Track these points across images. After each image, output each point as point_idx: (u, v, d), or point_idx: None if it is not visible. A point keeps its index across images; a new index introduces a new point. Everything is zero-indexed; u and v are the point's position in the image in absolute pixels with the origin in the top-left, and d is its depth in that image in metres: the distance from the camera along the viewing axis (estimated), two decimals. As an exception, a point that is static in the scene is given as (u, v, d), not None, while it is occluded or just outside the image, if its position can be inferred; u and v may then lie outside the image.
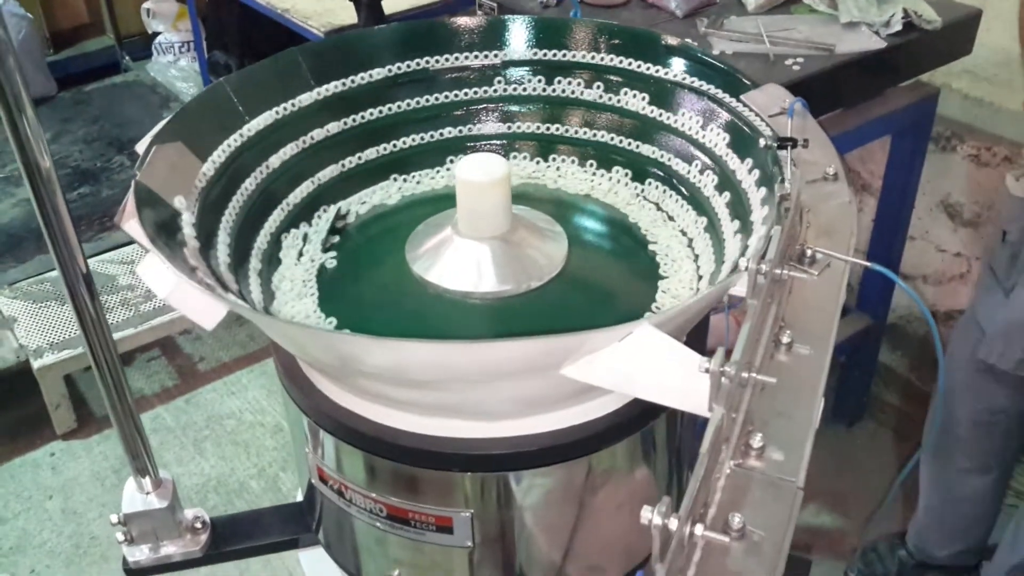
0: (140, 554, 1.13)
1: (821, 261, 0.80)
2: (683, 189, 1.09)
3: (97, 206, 3.05)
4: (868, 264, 0.84)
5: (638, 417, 0.90)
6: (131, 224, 0.84)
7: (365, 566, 1.04)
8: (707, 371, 0.66)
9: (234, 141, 1.03)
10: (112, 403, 1.06)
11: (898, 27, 1.75)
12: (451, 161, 1.16)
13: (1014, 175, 1.59)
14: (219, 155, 1.00)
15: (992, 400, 1.72)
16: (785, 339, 0.73)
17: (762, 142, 0.95)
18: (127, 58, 4.22)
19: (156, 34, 4.17)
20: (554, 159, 1.17)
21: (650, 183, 1.11)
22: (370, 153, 1.14)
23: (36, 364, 2.41)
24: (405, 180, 1.15)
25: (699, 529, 0.56)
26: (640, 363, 0.72)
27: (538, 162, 1.17)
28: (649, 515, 0.55)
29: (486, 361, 0.72)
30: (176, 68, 4.03)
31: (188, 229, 0.89)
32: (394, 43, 1.15)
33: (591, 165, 1.15)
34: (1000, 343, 1.56)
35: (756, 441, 0.64)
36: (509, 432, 0.87)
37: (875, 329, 2.31)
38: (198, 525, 1.15)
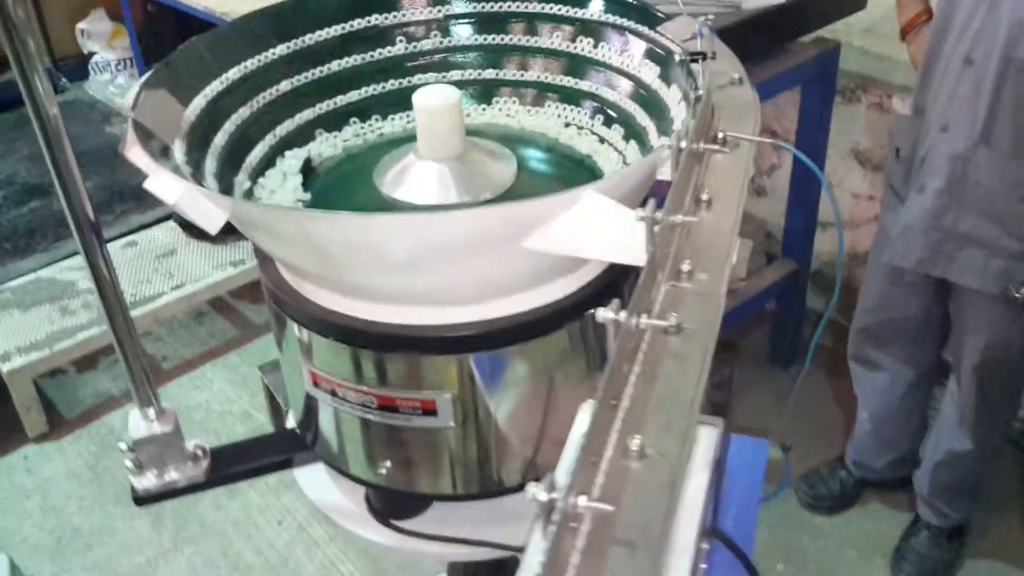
0: (147, 481, 1.23)
1: (731, 142, 0.95)
2: (613, 114, 1.23)
3: (50, 218, 3.11)
4: (772, 142, 0.99)
5: (592, 297, 1.04)
6: (134, 150, 0.95)
7: (359, 466, 1.15)
8: (642, 219, 0.80)
9: (210, 91, 1.14)
10: (119, 337, 1.15)
11: (797, -17, 1.93)
12: (400, 110, 1.29)
13: (899, 97, 1.78)
14: (198, 102, 1.12)
15: (904, 307, 1.90)
16: (704, 197, 0.87)
17: (677, 58, 1.10)
18: (63, 80, 4.26)
19: (91, 54, 4.22)
20: (496, 100, 1.31)
21: (583, 112, 1.26)
22: (329, 104, 1.27)
23: (5, 368, 2.46)
24: (363, 127, 1.28)
25: (644, 319, 0.70)
26: (588, 226, 0.85)
27: (483, 107, 1.31)
28: (604, 313, 0.68)
29: (459, 229, 0.85)
30: (114, 86, 4.09)
31: (180, 156, 1.01)
32: (345, 3, 1.28)
33: (529, 103, 1.29)
34: (901, 244, 1.74)
35: (685, 267, 0.78)
36: (481, 316, 1.00)
37: (801, 273, 2.50)
38: (199, 453, 1.26)
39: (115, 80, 4.15)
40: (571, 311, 1.03)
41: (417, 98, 1.08)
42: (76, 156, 3.27)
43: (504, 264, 0.93)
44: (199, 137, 1.10)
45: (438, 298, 0.99)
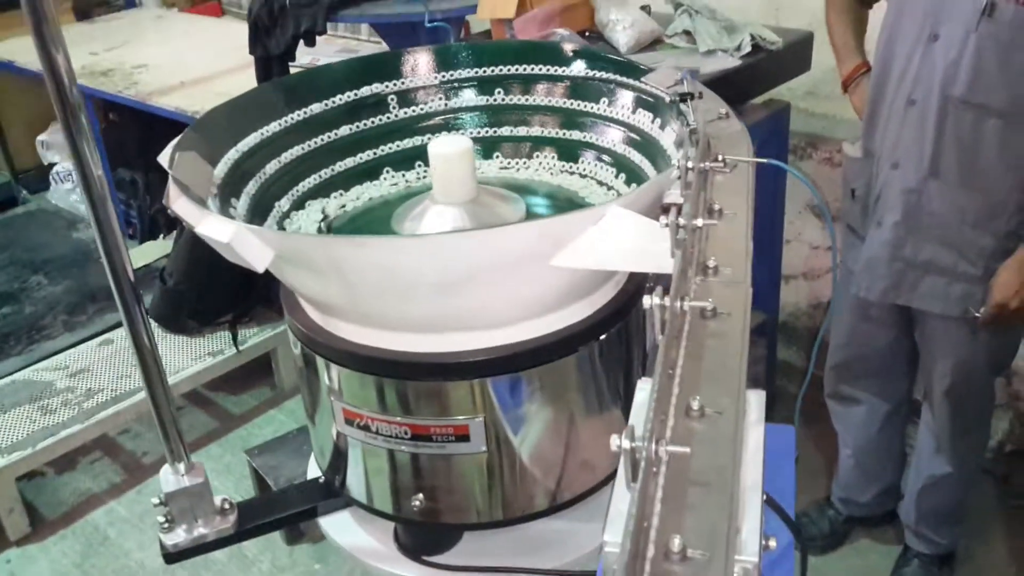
0: (177, 537, 1.26)
1: (730, 163, 1.05)
2: (610, 160, 1.33)
3: (22, 323, 3.11)
4: (766, 160, 1.09)
5: (612, 316, 1.11)
6: (180, 202, 1.02)
7: (391, 502, 1.19)
8: (666, 225, 0.88)
9: (234, 153, 1.22)
10: (154, 394, 1.19)
11: (748, 49, 2.10)
12: (410, 167, 1.38)
13: (849, 142, 1.93)
14: (224, 164, 1.20)
15: (873, 341, 2.01)
16: (716, 207, 0.96)
17: (667, 99, 1.21)
18: (24, 192, 4.29)
19: (51, 165, 4.27)
20: (497, 156, 1.40)
21: (582, 161, 1.36)
22: (344, 164, 1.35)
23: (-13, 469, 2.43)
24: (377, 183, 1.36)
25: (686, 303, 0.78)
26: (614, 239, 0.94)
27: (487, 162, 1.40)
28: (651, 299, 0.76)
29: (493, 247, 0.92)
30: (76, 194, 4.13)
31: (214, 206, 1.07)
32: (350, 74, 1.38)
33: (528, 155, 1.39)
34: (865, 278, 1.85)
35: (711, 262, 0.86)
36: (507, 339, 1.07)
37: (770, 323, 2.60)
38: (226, 507, 1.29)
39: (77, 189, 4.19)
40: (588, 333, 1.11)
41: (433, 147, 1.17)
42: (46, 262, 3.40)
43: (532, 284, 1.01)
44: (228, 193, 1.17)
45: (466, 323, 1.06)
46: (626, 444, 0.64)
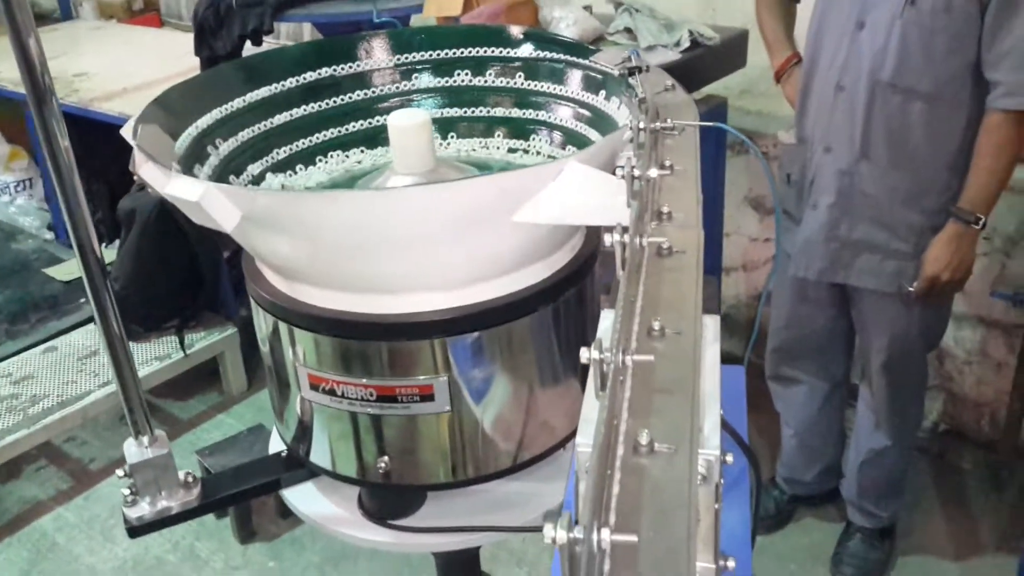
0: (142, 511, 1.26)
1: (678, 127, 1.11)
2: (562, 136, 1.38)
3: (-37, 331, 3.05)
4: (711, 124, 1.16)
5: (569, 278, 1.16)
6: (146, 167, 1.04)
7: (356, 466, 1.22)
8: (622, 177, 0.94)
9: (193, 129, 1.24)
10: (117, 366, 1.20)
11: (687, 44, 2.18)
12: (363, 150, 1.42)
13: (783, 130, 2.02)
14: (184, 138, 1.22)
15: (812, 322, 2.09)
16: (667, 162, 1.02)
17: (616, 72, 1.27)
18: (-43, 205, 4.20)
19: (-13, 178, 4.19)
20: (452, 136, 1.44)
21: (535, 139, 1.41)
22: (305, 141, 1.38)
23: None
24: (341, 159, 1.39)
25: (644, 239, 0.83)
26: (573, 193, 0.98)
27: (444, 142, 1.44)
28: (612, 236, 0.81)
29: (460, 199, 0.96)
30: (15, 206, 4.06)
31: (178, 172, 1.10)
32: (305, 57, 1.41)
33: (483, 135, 1.44)
34: (803, 258, 1.94)
35: (665, 208, 0.92)
36: (470, 299, 1.10)
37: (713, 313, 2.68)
38: (190, 480, 1.30)
39: (15, 201, 4.12)
40: (546, 294, 1.15)
41: (392, 119, 1.21)
42: None
43: (493, 242, 1.05)
44: (187, 167, 1.19)
45: (429, 284, 1.09)
46: (595, 355, 0.68)
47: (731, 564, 0.68)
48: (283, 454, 1.35)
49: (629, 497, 0.59)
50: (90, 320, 3.06)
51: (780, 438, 2.38)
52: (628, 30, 2.29)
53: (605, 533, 0.53)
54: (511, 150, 1.41)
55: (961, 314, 2.45)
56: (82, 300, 3.22)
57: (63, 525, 2.56)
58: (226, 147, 1.28)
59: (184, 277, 2.95)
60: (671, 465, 0.62)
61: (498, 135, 1.43)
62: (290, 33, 3.57)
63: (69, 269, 3.42)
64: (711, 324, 0.82)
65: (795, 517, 2.42)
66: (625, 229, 0.82)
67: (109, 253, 3.59)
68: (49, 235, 3.91)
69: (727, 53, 2.30)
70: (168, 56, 3.41)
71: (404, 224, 0.97)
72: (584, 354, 0.69)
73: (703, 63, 2.23)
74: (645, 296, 0.81)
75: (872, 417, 2.10)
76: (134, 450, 1.24)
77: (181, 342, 2.90)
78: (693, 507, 0.58)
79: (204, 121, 1.26)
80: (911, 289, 1.83)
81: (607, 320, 0.82)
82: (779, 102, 2.62)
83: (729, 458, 0.76)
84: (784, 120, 2.59)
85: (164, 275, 2.88)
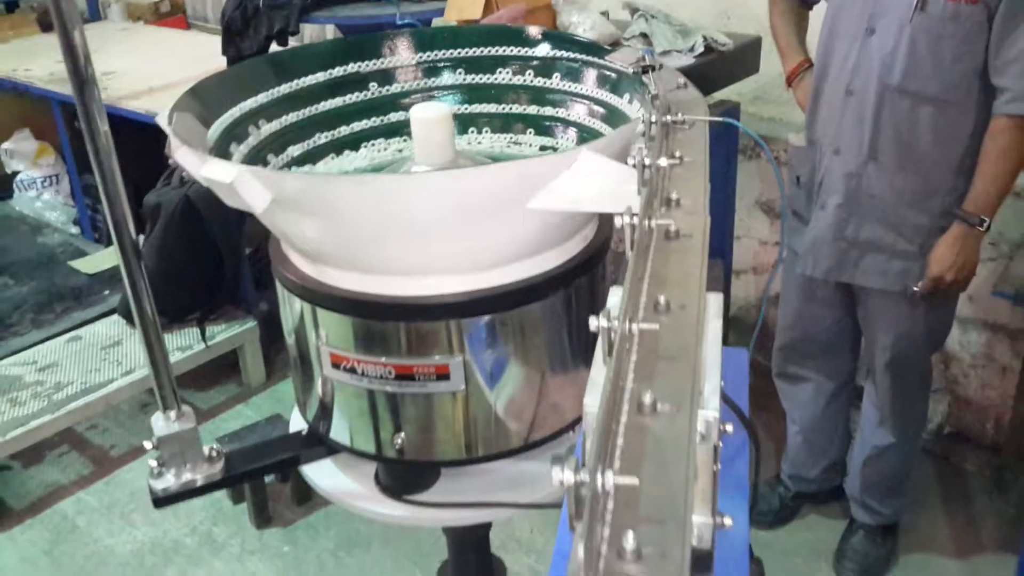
0: (167, 482, 1.32)
1: (689, 121, 1.16)
2: (579, 133, 1.44)
3: (-13, 321, 3.13)
4: (720, 120, 1.21)
5: (581, 266, 1.21)
6: (182, 151, 1.10)
7: (374, 442, 1.27)
8: (634, 165, 0.99)
9: (227, 118, 1.30)
10: (148, 342, 1.26)
11: (701, 49, 2.23)
12: (386, 142, 1.47)
13: (794, 132, 2.07)
14: (217, 126, 1.28)
15: (819, 321, 2.13)
16: (678, 154, 1.07)
17: (631, 71, 1.32)
18: (-15, 199, 4.30)
19: (15, 173, 4.28)
20: (472, 131, 1.50)
21: (551, 135, 1.46)
22: (331, 134, 1.44)
23: (-43, 458, 2.45)
24: (365, 151, 1.45)
25: (653, 221, 0.88)
26: (586, 181, 1.04)
27: (463, 137, 1.50)
28: (623, 218, 0.86)
29: (476, 185, 1.02)
30: (41, 201, 4.15)
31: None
32: (334, 52, 1.47)
33: (501, 130, 1.49)
34: (811, 257, 1.99)
35: (674, 195, 0.97)
36: (486, 283, 1.16)
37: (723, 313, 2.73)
38: (214, 455, 1.35)
39: (41, 196, 4.21)
40: (559, 280, 1.20)
41: (414, 112, 1.26)
42: (12, 264, 3.48)
43: (510, 228, 1.10)
44: (219, 155, 1.25)
45: (449, 267, 1.15)
46: (603, 323, 0.73)
47: (728, 521, 0.73)
48: (303, 432, 1.40)
49: (632, 448, 0.64)
50: (113, 311, 3.13)
51: (786, 436, 2.43)
52: (644, 35, 2.34)
53: (609, 475, 0.58)
54: (543, 148, 1.47)
55: (967, 318, 2.49)
56: (106, 292, 3.30)
57: (84, 509, 2.63)
58: (254, 138, 1.34)
59: (206, 271, 3.02)
60: (672, 423, 0.67)
61: (516, 130, 1.48)
62: (314, 35, 3.65)
63: (94, 262, 3.50)
64: (714, 300, 0.87)
65: (800, 514, 2.46)
66: (635, 213, 0.87)
67: (132, 247, 3.67)
68: (75, 230, 3.99)
69: (740, 59, 2.35)
70: (194, 57, 3.49)
71: (425, 208, 1.03)
72: (593, 322, 0.74)
73: (716, 68, 2.28)
74: (652, 274, 0.86)
75: (877, 415, 2.14)
76: (162, 423, 1.30)
77: (203, 333, 2.97)
78: (692, 459, 0.63)
79: (234, 112, 1.32)
80: (916, 289, 1.87)
81: (615, 296, 0.87)
82: (791, 108, 2.67)
83: (729, 427, 0.82)
84: (796, 125, 2.64)
85: (187, 269, 2.94)
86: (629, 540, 0.57)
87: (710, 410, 0.70)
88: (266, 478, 2.56)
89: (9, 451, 2.58)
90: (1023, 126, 1.73)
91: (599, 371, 0.75)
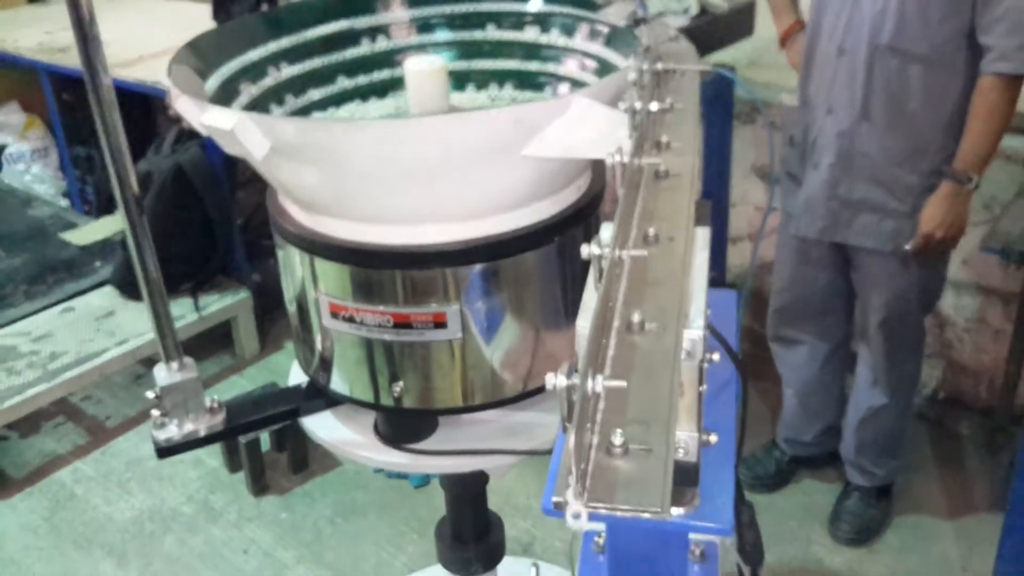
0: (170, 433, 1.34)
1: (680, 71, 1.17)
2: (570, 86, 1.45)
3: (-17, 292, 3.13)
4: (713, 69, 1.22)
5: (576, 214, 1.23)
6: (181, 100, 1.11)
7: (369, 391, 1.29)
8: (626, 110, 1.00)
9: (224, 71, 1.31)
10: (150, 293, 1.28)
11: (696, 11, 2.24)
12: (381, 98, 1.48)
13: (787, 93, 2.08)
14: (215, 80, 1.29)
15: (813, 283, 2.15)
16: (668, 101, 1.08)
17: (623, 23, 1.33)
18: (-26, 173, 4.29)
19: (3, 147, 4.27)
20: (467, 87, 1.51)
21: (546, 90, 1.47)
22: (327, 89, 1.44)
23: (-46, 426, 2.46)
24: (359, 107, 1.46)
25: (643, 160, 0.89)
26: (579, 127, 1.05)
27: (457, 92, 1.50)
28: (613, 157, 0.87)
29: (472, 129, 1.03)
30: (30, 174, 4.14)
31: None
32: (327, 7, 1.47)
33: (497, 85, 1.50)
34: (804, 217, 2.00)
35: (664, 138, 0.98)
36: (482, 231, 1.17)
37: (718, 282, 2.75)
38: (215, 406, 1.37)
39: (30, 169, 4.20)
40: (554, 228, 1.22)
41: (409, 64, 1.28)
42: (2, 238, 3.49)
43: (506, 173, 1.11)
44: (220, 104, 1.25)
45: (445, 215, 1.16)
46: (594, 250, 0.75)
47: (713, 439, 0.75)
48: (302, 385, 1.42)
49: (622, 359, 0.66)
50: (106, 283, 3.14)
51: (781, 404, 2.45)
52: (637, -1, 2.34)
53: (599, 379, 0.60)
54: (527, 100, 1.47)
55: (960, 282, 2.51)
56: (97, 264, 3.30)
57: (81, 478, 2.65)
58: (249, 93, 1.35)
59: (199, 240, 3.03)
60: (659, 339, 0.69)
61: (510, 85, 1.49)
62: None
63: (85, 234, 3.49)
64: (701, 233, 0.88)
65: (795, 478, 2.48)
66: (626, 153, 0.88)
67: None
68: (64, 202, 3.98)
69: (734, 21, 2.36)
70: (182, 26, 3.44)
71: (421, 152, 1.04)
72: (584, 249, 0.75)
73: (711, 30, 2.29)
74: (642, 209, 0.88)
75: (870, 375, 2.16)
76: (164, 374, 1.32)
77: (196, 303, 2.98)
78: (677, 369, 0.65)
79: (231, 67, 1.33)
80: (908, 247, 1.89)
81: (607, 230, 0.88)
82: (786, 73, 2.67)
83: (715, 356, 0.83)
84: (791, 89, 2.64)
85: (179, 238, 2.95)
86: (617, 437, 0.59)
87: (695, 329, 0.72)
88: (263, 447, 2.58)
89: (6, 420, 2.59)
90: (1010, 85, 1.74)
91: (591, 296, 0.77)
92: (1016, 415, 2.54)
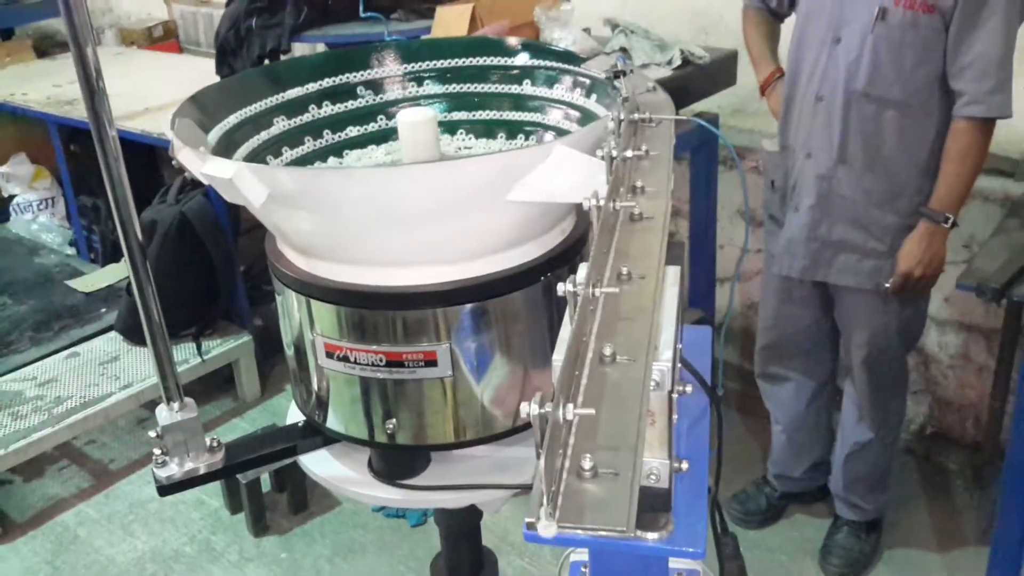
0: (171, 471, 1.38)
1: (656, 120, 1.24)
2: (555, 135, 1.52)
3: (-12, 338, 3.19)
4: (688, 118, 1.29)
5: (560, 256, 1.29)
6: (184, 151, 1.17)
7: (363, 428, 1.34)
8: (602, 157, 1.07)
9: (226, 124, 1.38)
10: (151, 333, 1.33)
11: (679, 62, 2.33)
12: (375, 147, 1.55)
13: (768, 139, 2.15)
14: (216, 132, 1.36)
15: (797, 321, 2.21)
16: (643, 148, 1.15)
17: (603, 75, 1.40)
18: (-18, 223, 4.37)
19: (11, 197, 4.36)
20: (458, 135, 1.58)
21: (532, 139, 1.54)
22: (323, 140, 1.51)
23: (-41, 470, 2.50)
24: (356, 156, 1.53)
25: (618, 204, 0.96)
26: (560, 173, 1.11)
27: (448, 140, 1.58)
28: (589, 200, 0.94)
29: (458, 176, 1.09)
30: (37, 223, 4.22)
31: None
32: (326, 64, 1.55)
33: (485, 135, 1.57)
34: (786, 257, 2.07)
35: (639, 183, 1.05)
36: (470, 273, 1.23)
37: (707, 320, 2.80)
38: (215, 445, 1.42)
39: (37, 218, 4.28)
40: (540, 270, 1.28)
41: (401, 116, 1.35)
42: (9, 284, 3.59)
43: (493, 218, 1.18)
44: (221, 155, 1.32)
45: (435, 258, 1.22)
46: (569, 287, 0.81)
47: (685, 466, 0.80)
48: (299, 424, 1.47)
49: (593, 388, 0.71)
50: (110, 328, 3.20)
51: (770, 439, 2.50)
52: (624, 50, 2.43)
53: (571, 408, 0.66)
54: (513, 148, 1.54)
55: (944, 320, 2.57)
56: (103, 310, 3.36)
57: (84, 520, 2.68)
58: (248, 145, 1.42)
59: (202, 286, 3.09)
60: (629, 371, 0.74)
61: (499, 136, 1.56)
62: (305, 54, 3.74)
63: (90, 281, 3.57)
64: (672, 272, 0.94)
65: (786, 514, 2.52)
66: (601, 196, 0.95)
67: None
68: (70, 250, 4.06)
69: (717, 71, 2.45)
70: (187, 79, 3.57)
71: (411, 198, 1.10)
72: (561, 288, 0.81)
73: (694, 80, 2.37)
74: (617, 250, 0.94)
75: (855, 412, 2.21)
76: (165, 414, 1.37)
77: (199, 348, 3.04)
78: (645, 399, 0.71)
79: (232, 119, 1.40)
80: (887, 286, 1.95)
81: (583, 270, 0.94)
82: (769, 121, 2.76)
83: (688, 388, 0.89)
84: (771, 135, 2.73)
85: (183, 284, 3.02)
86: (587, 462, 0.64)
87: (663, 361, 0.77)
88: (263, 487, 2.62)
89: (12, 463, 2.63)
90: (981, 128, 1.81)
91: (567, 331, 0.83)
92: (1002, 450, 2.57)
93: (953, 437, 2.72)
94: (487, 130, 1.59)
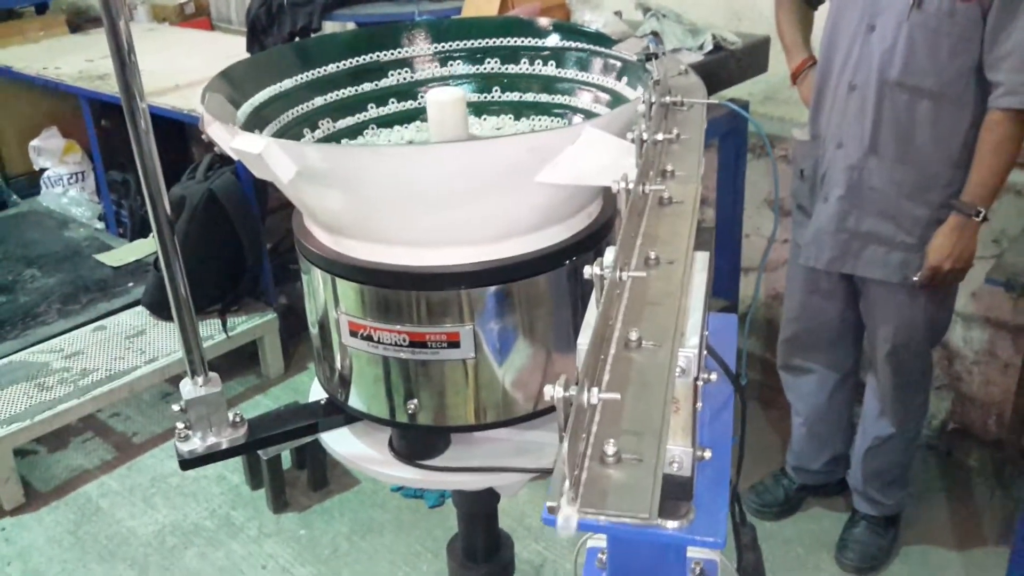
0: (193, 444, 1.39)
1: (687, 104, 1.23)
2: (584, 118, 1.51)
3: (17, 310, 3.23)
4: (719, 102, 1.27)
5: (587, 240, 1.28)
6: (214, 126, 1.18)
7: (385, 407, 1.34)
8: (632, 140, 1.06)
9: (256, 100, 1.38)
10: (178, 307, 1.34)
11: (710, 47, 2.30)
12: (404, 126, 1.55)
13: (798, 127, 2.13)
14: (247, 107, 1.36)
15: (822, 314, 2.19)
16: (674, 132, 1.14)
17: (635, 58, 1.39)
18: (14, 196, 4.42)
19: (43, 170, 4.40)
20: (485, 118, 1.57)
21: (561, 122, 1.53)
22: (352, 118, 1.51)
23: (-15, 438, 2.54)
24: (376, 138, 1.52)
25: (648, 187, 0.95)
26: (589, 155, 1.11)
27: (477, 120, 1.57)
28: (618, 184, 0.93)
29: (486, 156, 1.09)
30: (67, 197, 4.26)
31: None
32: (357, 41, 1.55)
33: (514, 117, 1.56)
34: (813, 248, 2.05)
35: (669, 167, 1.04)
36: (496, 255, 1.23)
37: (731, 308, 2.79)
38: (237, 420, 1.43)
39: (67, 192, 4.32)
40: (565, 253, 1.27)
41: (430, 95, 1.34)
42: (39, 257, 3.63)
43: (519, 200, 1.17)
44: (250, 131, 1.32)
45: (460, 239, 1.22)
46: (596, 271, 0.80)
47: (707, 455, 0.80)
48: (321, 402, 1.47)
49: (618, 373, 0.71)
50: (137, 303, 3.23)
51: (790, 433, 2.48)
52: (655, 33, 2.41)
53: (595, 392, 0.65)
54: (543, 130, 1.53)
55: (969, 315, 2.54)
56: (130, 284, 3.39)
57: (107, 492, 2.72)
58: (278, 122, 1.42)
59: (228, 264, 3.11)
60: (654, 356, 0.74)
61: (528, 117, 1.56)
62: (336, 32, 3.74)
63: (118, 256, 3.60)
64: (700, 257, 0.93)
65: (804, 506, 2.51)
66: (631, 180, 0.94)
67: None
68: (100, 225, 4.10)
69: (749, 58, 2.42)
70: (218, 56, 3.59)
71: (439, 178, 1.10)
72: (587, 270, 0.81)
73: (725, 66, 2.35)
74: (645, 234, 0.93)
75: (878, 405, 2.19)
76: (189, 388, 1.37)
77: (224, 324, 3.06)
78: (670, 385, 0.70)
79: (262, 95, 1.40)
80: (916, 279, 1.93)
81: (611, 253, 0.94)
82: (800, 108, 2.73)
83: (713, 376, 0.88)
84: (802, 124, 2.70)
85: (210, 261, 3.04)
86: (610, 447, 0.63)
87: (690, 347, 0.76)
88: (284, 464, 2.64)
89: (37, 433, 2.67)
90: (1017, 119, 1.78)
91: (593, 315, 0.82)
92: (1027, 448, 2.55)
93: (975, 434, 2.69)
94: (516, 111, 1.58)
